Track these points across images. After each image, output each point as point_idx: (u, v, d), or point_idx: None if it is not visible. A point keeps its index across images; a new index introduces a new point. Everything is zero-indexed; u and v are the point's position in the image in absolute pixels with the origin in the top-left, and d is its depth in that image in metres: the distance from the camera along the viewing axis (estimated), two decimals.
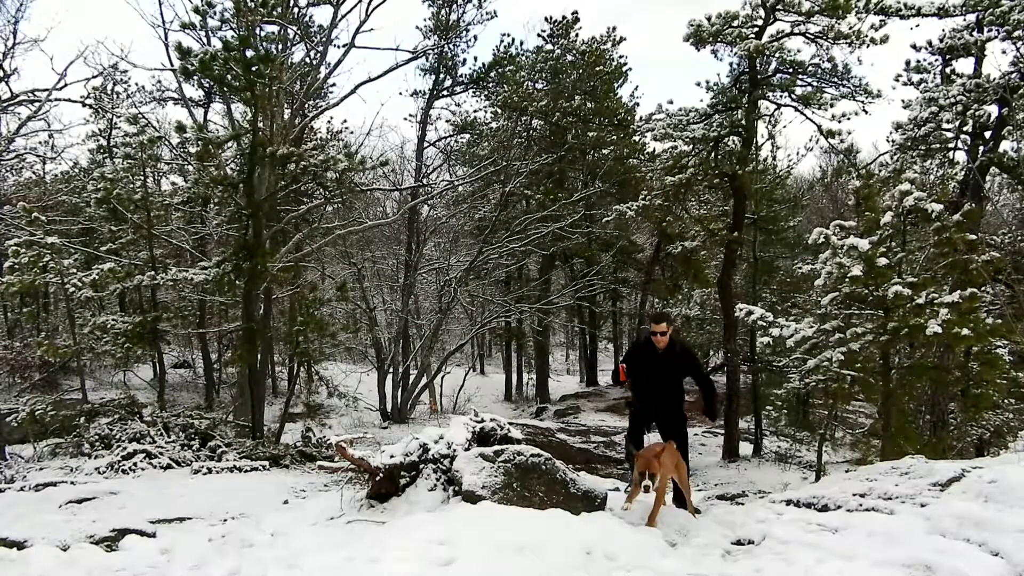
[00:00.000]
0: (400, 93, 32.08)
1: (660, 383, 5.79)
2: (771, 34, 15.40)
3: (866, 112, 15.63)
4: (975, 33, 13.10)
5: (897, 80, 14.54)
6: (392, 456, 5.47)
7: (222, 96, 15.10)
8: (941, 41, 13.63)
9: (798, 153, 40.71)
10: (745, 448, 16.74)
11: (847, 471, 7.46)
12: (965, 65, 13.96)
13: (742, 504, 6.61)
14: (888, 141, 14.95)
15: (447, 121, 23.80)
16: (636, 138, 22.99)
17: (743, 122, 16.18)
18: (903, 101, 14.13)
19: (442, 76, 22.12)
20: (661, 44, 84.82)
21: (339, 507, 5.53)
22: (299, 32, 16.24)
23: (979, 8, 12.84)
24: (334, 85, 20.59)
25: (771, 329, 9.26)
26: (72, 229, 18.59)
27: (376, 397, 19.85)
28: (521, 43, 23.69)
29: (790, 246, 20.98)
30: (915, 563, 3.37)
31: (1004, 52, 13.18)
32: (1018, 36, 12.36)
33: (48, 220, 13.47)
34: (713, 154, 16.65)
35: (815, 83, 16.03)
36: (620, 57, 23.92)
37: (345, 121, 34.14)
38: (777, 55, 15.98)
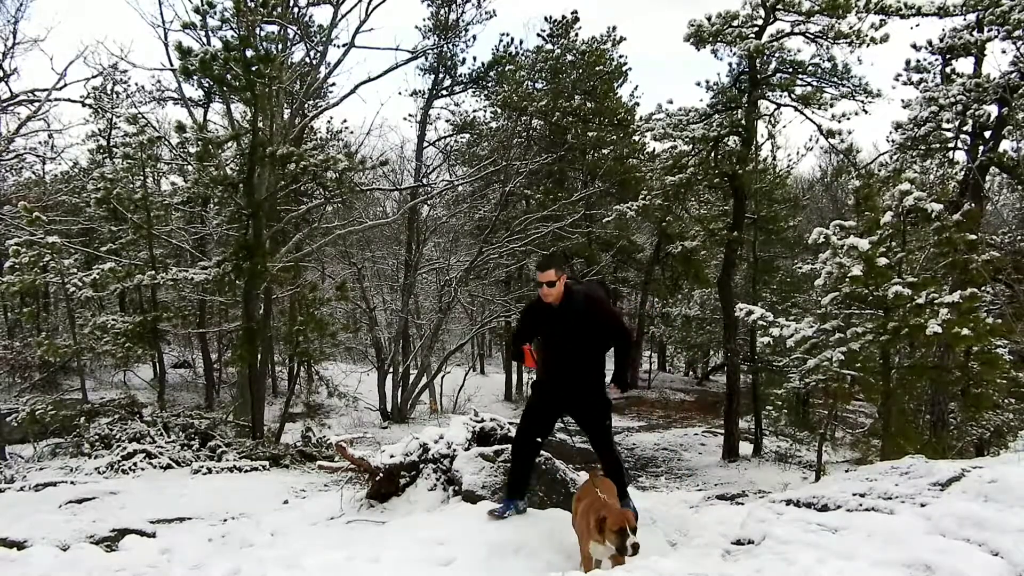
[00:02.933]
0: (400, 93, 31.99)
1: (564, 351, 4.26)
2: (771, 34, 15.46)
3: (866, 112, 15.72)
4: (975, 33, 13.10)
5: (897, 80, 14.54)
6: (392, 456, 5.47)
7: (222, 96, 15.09)
8: (941, 41, 13.64)
9: (798, 153, 40.67)
10: (745, 448, 16.76)
11: (847, 471, 7.45)
12: (965, 65, 14.00)
13: (742, 504, 6.60)
14: (888, 141, 15.00)
15: (447, 121, 23.86)
16: (636, 138, 23.01)
17: (743, 122, 16.20)
18: (903, 101, 14.18)
19: (441, 76, 22.12)
20: (661, 44, 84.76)
21: (339, 507, 5.54)
22: (299, 32, 16.25)
23: (979, 8, 12.85)
24: (334, 85, 20.61)
25: (771, 329, 9.26)
26: (72, 229, 18.58)
27: (376, 397, 19.84)
28: (521, 43, 23.75)
29: (790, 246, 21.00)
30: (915, 563, 3.37)
31: (1004, 52, 13.23)
32: (1018, 36, 12.37)
33: (48, 220, 13.45)
34: (713, 154, 16.67)
35: (815, 83, 16.07)
36: (620, 57, 23.94)
37: (345, 121, 34.10)
38: (777, 55, 16.02)
